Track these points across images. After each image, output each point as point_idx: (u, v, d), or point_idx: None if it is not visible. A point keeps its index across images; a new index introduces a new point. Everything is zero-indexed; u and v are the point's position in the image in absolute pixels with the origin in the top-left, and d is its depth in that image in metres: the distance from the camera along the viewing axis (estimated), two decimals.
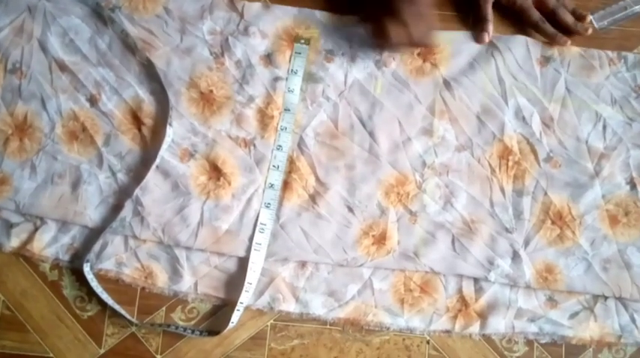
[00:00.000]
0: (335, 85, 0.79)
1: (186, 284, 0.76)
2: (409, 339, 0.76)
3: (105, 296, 0.75)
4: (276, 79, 0.79)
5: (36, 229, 0.77)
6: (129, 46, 0.79)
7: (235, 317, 0.74)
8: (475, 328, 0.75)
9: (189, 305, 0.77)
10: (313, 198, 0.77)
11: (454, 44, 0.80)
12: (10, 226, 0.77)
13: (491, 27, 0.79)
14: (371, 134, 0.78)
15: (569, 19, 0.79)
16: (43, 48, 0.79)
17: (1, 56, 0.79)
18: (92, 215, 0.76)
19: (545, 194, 0.77)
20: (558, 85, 0.79)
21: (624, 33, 0.81)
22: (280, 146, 0.78)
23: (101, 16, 0.80)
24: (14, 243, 0.76)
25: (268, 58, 0.80)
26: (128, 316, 0.75)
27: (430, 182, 0.77)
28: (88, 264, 0.75)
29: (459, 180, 0.77)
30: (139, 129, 0.78)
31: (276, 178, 0.77)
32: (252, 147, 0.78)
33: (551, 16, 0.79)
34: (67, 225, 0.77)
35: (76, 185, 0.77)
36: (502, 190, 0.77)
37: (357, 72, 0.79)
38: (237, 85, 0.79)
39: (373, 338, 0.76)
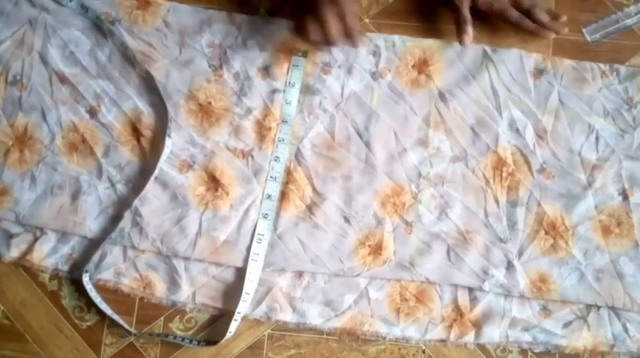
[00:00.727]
0: (332, 97, 0.80)
1: (184, 294, 0.76)
2: (405, 349, 0.77)
3: (104, 307, 0.76)
4: (274, 91, 0.80)
5: (36, 240, 0.77)
6: (128, 59, 0.80)
7: (233, 327, 0.74)
8: (470, 337, 0.76)
9: (187, 315, 0.77)
10: (310, 209, 0.78)
11: (448, 56, 0.81)
12: (10, 237, 0.77)
13: (470, 28, 0.79)
14: (367, 145, 0.79)
15: (544, 17, 0.78)
16: (44, 60, 0.80)
17: (2, 68, 0.80)
18: (91, 225, 0.77)
19: (539, 205, 0.78)
20: (551, 97, 0.80)
21: (617, 46, 0.82)
22: (278, 157, 0.78)
23: (101, 29, 0.81)
24: (14, 253, 0.77)
25: (266, 71, 0.80)
26: (127, 326, 0.76)
27: (425, 192, 0.78)
28: (87, 274, 0.76)
29: (454, 190, 0.78)
30: (138, 141, 0.79)
31: (274, 189, 0.78)
32: (249, 159, 0.79)
33: (527, 16, 0.79)
34: (66, 235, 0.78)
35: (75, 196, 0.77)
36: (496, 201, 0.78)
37: (354, 84, 0.80)
38: (235, 97, 0.80)
39: (369, 348, 0.77)
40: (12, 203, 0.77)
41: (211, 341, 0.76)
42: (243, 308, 0.75)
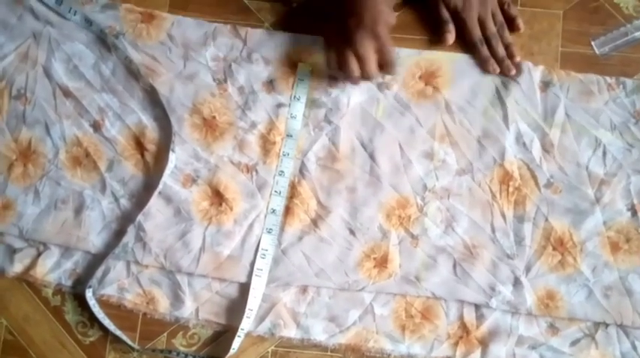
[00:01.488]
0: (337, 109, 0.79)
1: (187, 310, 0.76)
2: None
3: (107, 322, 0.75)
4: (279, 105, 0.79)
5: (39, 254, 0.77)
6: (132, 73, 0.80)
7: (236, 343, 0.74)
8: (476, 355, 0.75)
9: (190, 331, 0.77)
10: (315, 222, 0.77)
11: (456, 68, 0.80)
12: (13, 251, 0.77)
13: (452, 27, 0.80)
14: (372, 156, 0.78)
15: (500, 51, 0.79)
16: (48, 74, 0.80)
17: (6, 82, 0.80)
18: (95, 240, 0.77)
19: (546, 220, 0.77)
20: (558, 110, 0.79)
21: (625, 59, 0.81)
22: (282, 171, 0.78)
23: (105, 43, 0.81)
24: (17, 268, 0.77)
25: (271, 84, 0.80)
26: (129, 342, 0.75)
27: (431, 205, 0.78)
28: (91, 290, 0.76)
29: (460, 204, 0.77)
30: (142, 155, 0.79)
31: (278, 204, 0.77)
32: (254, 173, 0.78)
33: (486, 42, 0.80)
34: (69, 250, 0.77)
35: (79, 210, 0.77)
36: (503, 216, 0.77)
37: (360, 94, 0.80)
38: (239, 111, 0.79)
39: None
40: (15, 217, 0.77)
41: (214, 357, 0.75)
42: (246, 324, 0.74)
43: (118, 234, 0.77)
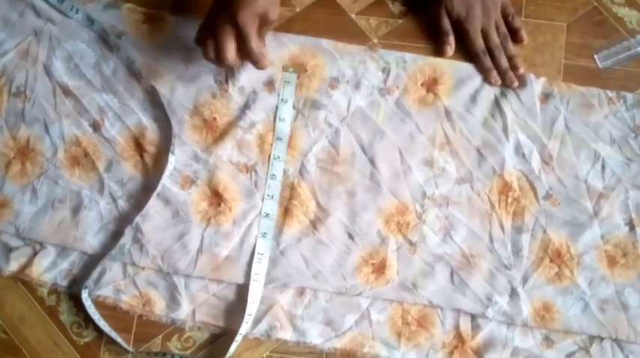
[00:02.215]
0: (337, 112, 0.79)
1: (184, 312, 0.76)
2: None
3: (102, 323, 0.75)
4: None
5: (35, 254, 0.77)
6: (133, 73, 0.80)
7: (233, 348, 0.74)
8: None
9: (185, 335, 0.76)
10: (314, 224, 0.77)
11: (458, 76, 0.80)
12: (9, 250, 0.77)
13: (452, 39, 0.80)
14: (372, 161, 0.78)
15: (502, 63, 0.79)
16: (48, 72, 0.79)
17: (6, 79, 0.79)
18: (92, 241, 0.76)
19: (544, 232, 0.77)
20: (558, 122, 0.79)
21: (627, 73, 0.81)
22: (274, 175, 0.78)
23: (107, 42, 0.80)
24: (13, 266, 0.76)
25: (272, 85, 0.80)
26: (124, 344, 0.75)
27: (430, 213, 0.78)
28: (87, 290, 0.75)
29: (459, 212, 0.77)
30: (141, 156, 0.78)
31: (272, 207, 0.77)
32: (253, 173, 0.78)
33: (489, 53, 0.80)
34: (66, 250, 0.77)
35: (76, 210, 0.77)
36: (501, 226, 0.77)
37: (361, 99, 0.80)
38: (240, 111, 0.79)
39: None
40: (12, 216, 0.77)
41: None
42: (244, 329, 0.74)
43: (115, 235, 0.76)
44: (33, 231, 0.76)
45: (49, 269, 0.76)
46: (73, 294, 0.77)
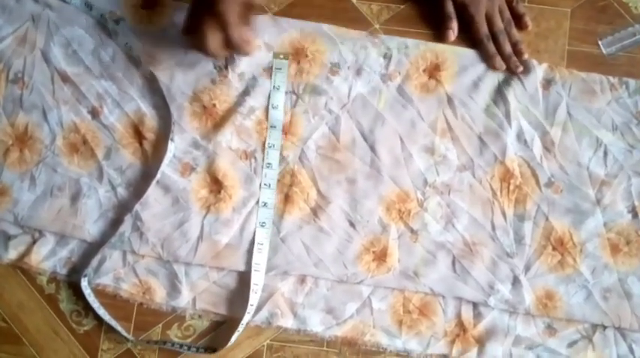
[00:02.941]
0: (338, 98, 0.79)
1: (184, 299, 0.75)
2: None
3: (102, 312, 0.75)
4: None
5: (34, 242, 0.76)
6: (132, 59, 0.79)
7: (235, 337, 0.73)
8: (473, 354, 0.75)
9: (185, 323, 0.76)
10: (315, 212, 0.77)
11: (461, 62, 0.79)
12: (8, 238, 0.76)
13: (455, 24, 0.79)
14: (372, 148, 0.78)
15: (506, 48, 0.79)
16: (46, 58, 0.78)
17: (3, 66, 0.78)
18: (91, 229, 0.76)
19: (547, 219, 0.76)
20: (560, 108, 0.78)
21: (632, 60, 0.80)
22: (270, 164, 0.77)
23: (105, 28, 0.79)
24: (12, 254, 0.76)
25: (272, 70, 0.79)
26: (124, 332, 0.75)
27: (432, 201, 0.77)
28: (86, 279, 0.75)
29: (461, 200, 0.77)
30: (141, 144, 0.78)
31: (269, 196, 0.76)
32: (252, 160, 0.77)
33: (493, 39, 0.79)
34: (65, 238, 0.76)
35: (75, 198, 0.76)
36: (503, 214, 0.77)
37: (362, 85, 0.79)
38: (239, 97, 0.78)
39: None
40: (11, 203, 0.76)
41: (210, 348, 0.75)
42: (247, 319, 0.74)
43: (115, 223, 0.76)
44: (32, 218, 0.76)
45: (48, 258, 0.76)
46: (72, 282, 0.76)
